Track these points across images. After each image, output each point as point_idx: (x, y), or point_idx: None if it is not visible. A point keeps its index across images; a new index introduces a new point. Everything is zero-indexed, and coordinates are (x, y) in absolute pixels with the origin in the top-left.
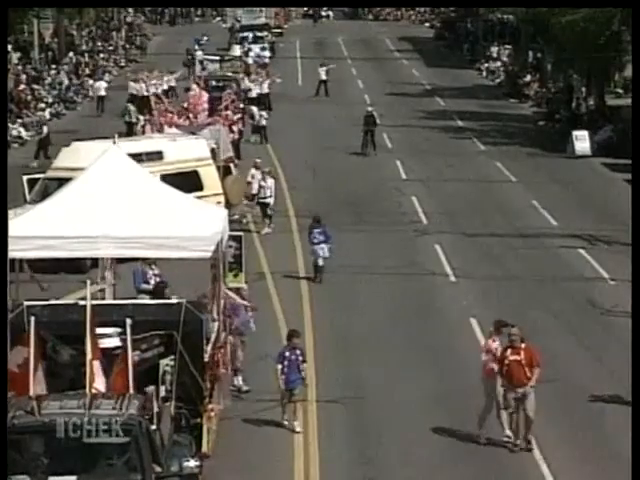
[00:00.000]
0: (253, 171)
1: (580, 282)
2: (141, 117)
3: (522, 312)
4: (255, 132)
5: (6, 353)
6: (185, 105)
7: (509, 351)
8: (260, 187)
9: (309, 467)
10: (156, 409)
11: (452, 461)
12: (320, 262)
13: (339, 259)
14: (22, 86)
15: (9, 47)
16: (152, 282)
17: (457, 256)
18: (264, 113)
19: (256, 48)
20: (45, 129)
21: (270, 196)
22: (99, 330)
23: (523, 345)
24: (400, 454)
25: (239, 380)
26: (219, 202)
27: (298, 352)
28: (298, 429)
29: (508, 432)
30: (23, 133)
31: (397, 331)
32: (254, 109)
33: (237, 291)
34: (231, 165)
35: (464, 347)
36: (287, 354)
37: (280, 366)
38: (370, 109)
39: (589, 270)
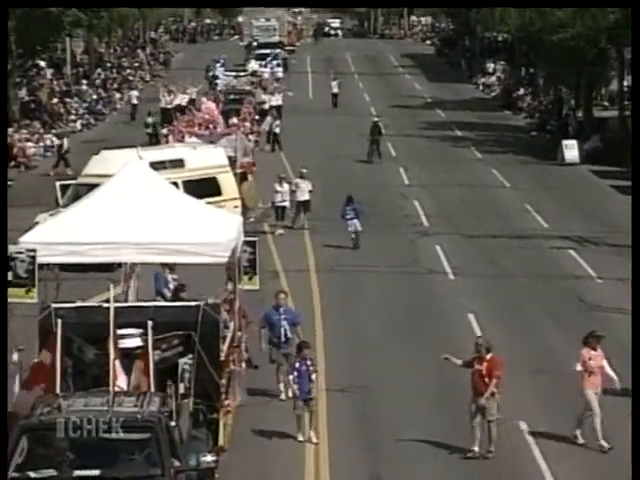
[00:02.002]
0: (297, 180)
1: (570, 280)
2: (164, 130)
3: (516, 308)
4: (269, 141)
5: (6, 353)
6: (205, 116)
7: (476, 361)
8: (276, 192)
9: (319, 453)
10: (175, 406)
11: (450, 451)
12: (354, 235)
13: (347, 257)
14: (55, 99)
15: (43, 63)
16: (170, 286)
17: (456, 256)
18: (278, 122)
19: (270, 64)
20: (65, 142)
21: (285, 200)
22: (122, 331)
23: (488, 356)
24: (403, 442)
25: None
26: (236, 206)
27: (309, 363)
28: (315, 440)
29: (602, 442)
30: (56, 143)
31: (400, 325)
32: (268, 118)
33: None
34: (247, 172)
35: (462, 340)
36: (297, 365)
37: (291, 377)
38: (376, 120)
39: (578, 269)
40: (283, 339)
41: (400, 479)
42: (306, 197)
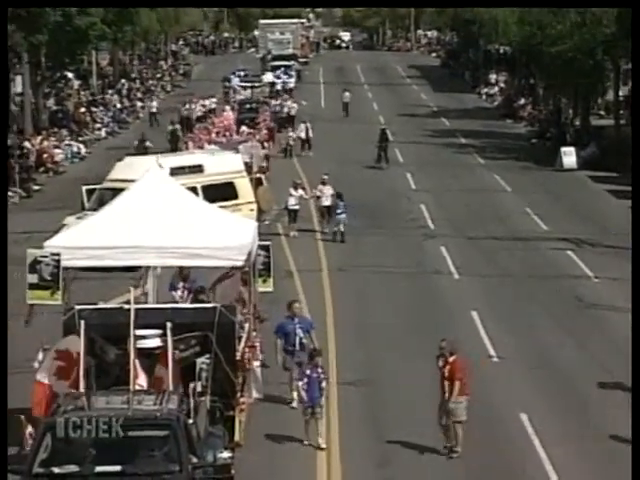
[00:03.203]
0: (320, 186)
1: (567, 280)
2: (185, 138)
3: (517, 306)
4: (303, 147)
5: (6, 351)
6: (224, 122)
7: (442, 364)
8: (290, 196)
9: (330, 447)
10: (193, 404)
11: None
12: (342, 228)
13: (357, 258)
14: (82, 109)
15: (71, 75)
16: (179, 292)
17: (460, 257)
18: (302, 127)
19: (284, 75)
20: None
21: (298, 204)
22: (142, 332)
23: (451, 359)
24: (408, 435)
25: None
26: (252, 209)
27: (320, 370)
28: (323, 445)
29: None
30: (82, 150)
31: (407, 321)
32: (302, 125)
33: (290, 306)
34: (262, 177)
35: (467, 336)
36: (308, 372)
37: (301, 383)
38: (384, 127)
39: (576, 269)
40: (298, 347)
41: (406, 473)
42: (329, 202)
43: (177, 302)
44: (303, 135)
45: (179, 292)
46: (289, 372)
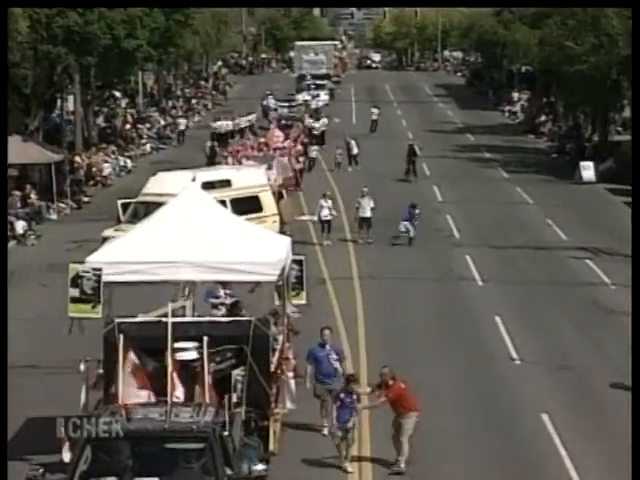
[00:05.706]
0: (359, 199)
1: (586, 286)
2: (224, 153)
3: (538, 311)
4: (350, 163)
5: (6, 348)
6: (263, 140)
7: (383, 388)
8: (322, 207)
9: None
10: (228, 417)
11: (471, 438)
12: (402, 234)
13: (387, 266)
14: (128, 125)
15: (119, 94)
16: (221, 299)
17: (484, 265)
18: (316, 147)
19: (318, 94)
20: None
21: (330, 214)
22: (180, 344)
23: (391, 382)
24: (436, 427)
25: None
26: (275, 221)
27: (354, 396)
28: (350, 469)
29: None
30: (129, 164)
31: (434, 325)
32: (352, 142)
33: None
34: (283, 191)
35: (490, 339)
36: (342, 396)
37: (334, 406)
38: (412, 143)
39: (594, 276)
40: (332, 372)
41: (432, 473)
42: (368, 214)
43: (218, 307)
44: (354, 151)
45: (221, 299)
46: (319, 400)
